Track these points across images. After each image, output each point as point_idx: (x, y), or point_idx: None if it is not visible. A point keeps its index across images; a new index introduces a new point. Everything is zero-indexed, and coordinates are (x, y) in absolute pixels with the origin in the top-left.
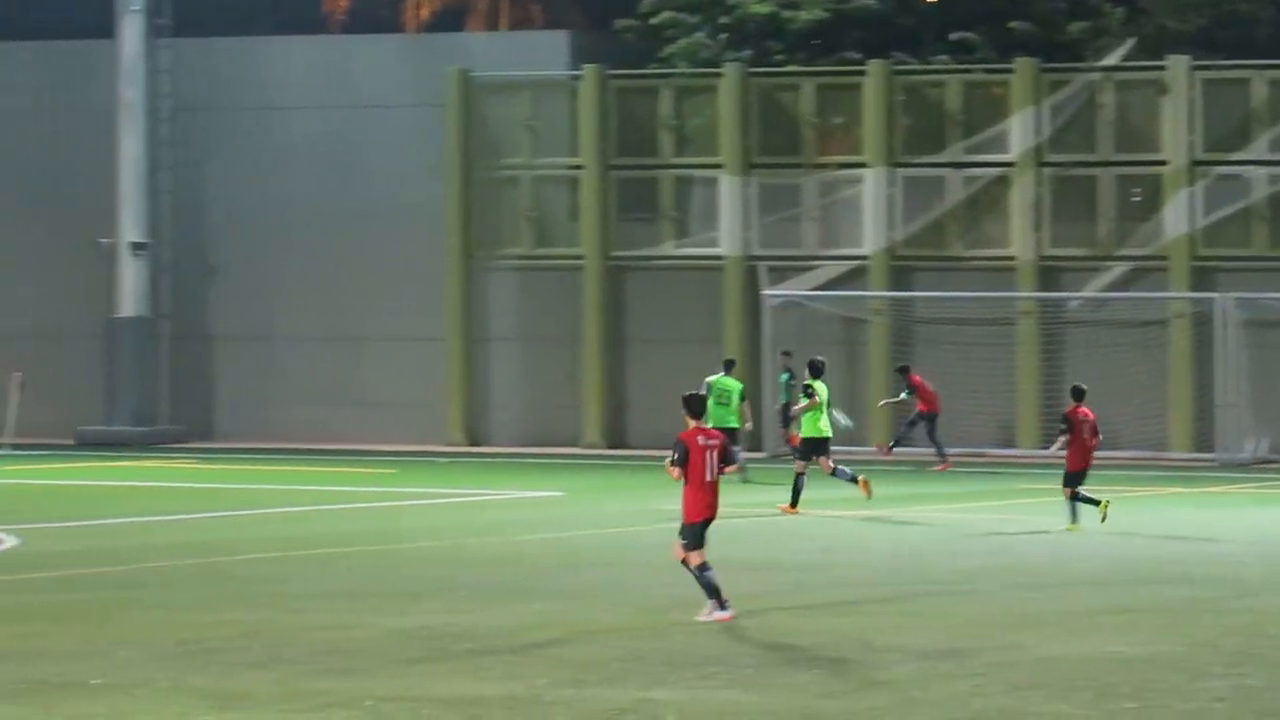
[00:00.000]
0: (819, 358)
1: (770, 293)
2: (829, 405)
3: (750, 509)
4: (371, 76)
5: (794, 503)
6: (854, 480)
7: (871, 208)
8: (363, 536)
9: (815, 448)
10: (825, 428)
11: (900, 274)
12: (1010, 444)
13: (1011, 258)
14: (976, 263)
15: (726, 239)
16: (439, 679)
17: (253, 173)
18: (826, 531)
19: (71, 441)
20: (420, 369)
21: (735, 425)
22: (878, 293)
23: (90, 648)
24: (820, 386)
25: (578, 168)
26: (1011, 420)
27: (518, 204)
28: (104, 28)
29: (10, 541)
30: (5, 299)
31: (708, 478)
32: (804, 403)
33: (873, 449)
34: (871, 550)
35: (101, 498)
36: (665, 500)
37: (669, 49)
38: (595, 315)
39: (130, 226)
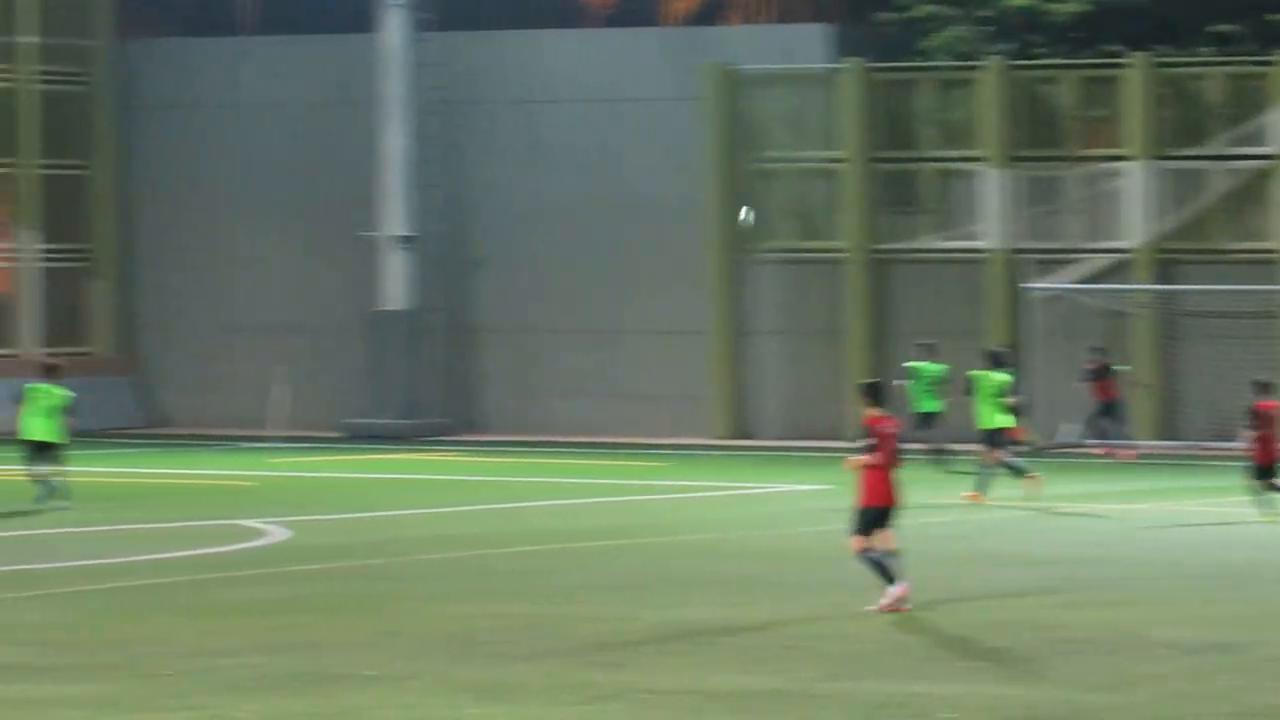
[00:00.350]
0: (996, 348)
1: (1032, 286)
2: (1001, 395)
3: (1020, 502)
4: (631, 70)
5: (1023, 475)
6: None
7: (1134, 201)
8: (630, 530)
9: (994, 437)
10: (1001, 420)
11: (1163, 267)
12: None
13: (1274, 250)
14: (1239, 256)
15: (988, 232)
16: (706, 672)
17: (515, 166)
18: (1093, 525)
19: (338, 434)
20: (683, 362)
21: (936, 410)
22: (1141, 286)
23: (361, 640)
24: (987, 378)
25: (839, 161)
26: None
27: (779, 197)
28: (365, 22)
29: (281, 534)
30: (271, 293)
31: (893, 465)
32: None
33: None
34: (1140, 544)
35: (369, 490)
36: (933, 493)
37: (928, 41)
38: (858, 308)
39: (394, 220)
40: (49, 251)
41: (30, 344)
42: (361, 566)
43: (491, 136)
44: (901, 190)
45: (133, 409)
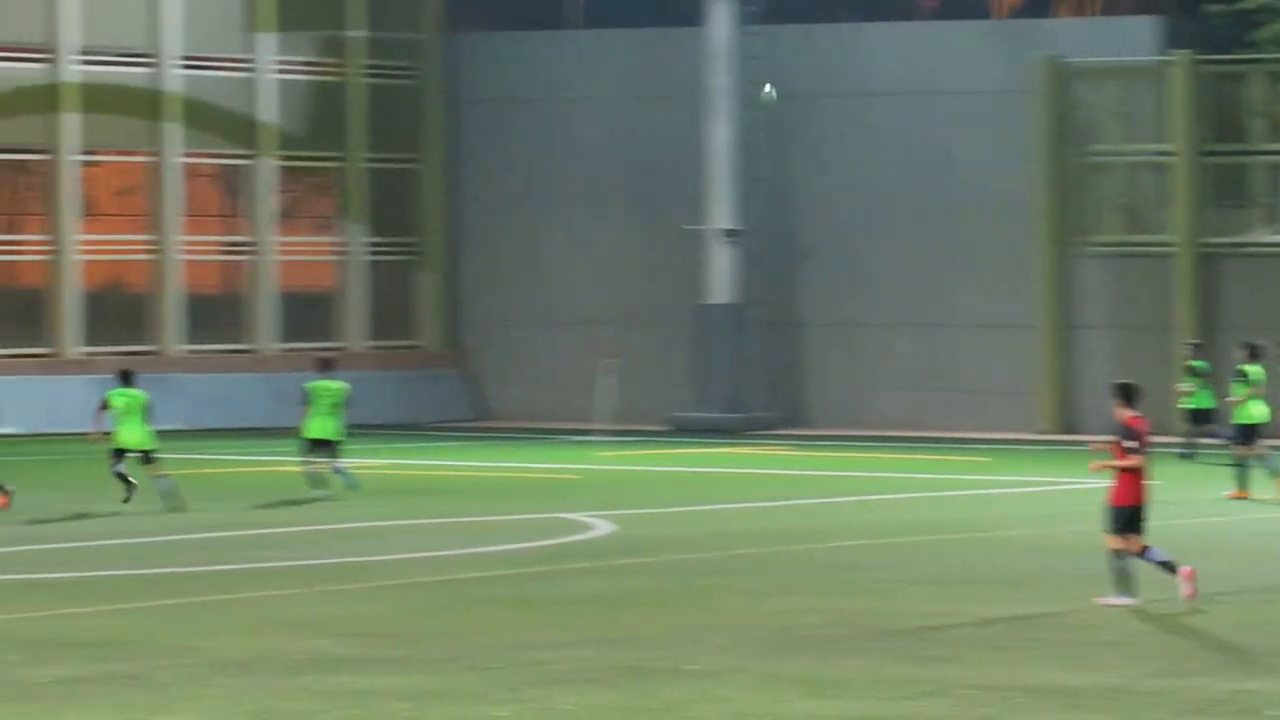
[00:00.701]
0: (1257, 342)
1: None
2: (1256, 386)
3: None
4: (959, 63)
5: (1241, 486)
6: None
7: None
8: (955, 524)
9: (1247, 433)
10: (1258, 414)
11: None
12: None
13: None
14: None
15: None
16: (1030, 668)
17: (841, 159)
18: None
19: (665, 428)
20: (1009, 356)
21: (1209, 407)
22: None
23: (684, 633)
24: (1253, 371)
25: (1168, 154)
26: None
27: (1108, 191)
28: (691, 15)
29: (606, 528)
30: (598, 285)
31: (1146, 465)
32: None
33: None
34: None
35: (695, 484)
36: (1258, 489)
37: (1259, 33)
38: (1186, 303)
39: (720, 214)
40: (376, 245)
41: (358, 337)
42: (685, 560)
43: (818, 130)
44: (1231, 184)
45: (461, 402)
